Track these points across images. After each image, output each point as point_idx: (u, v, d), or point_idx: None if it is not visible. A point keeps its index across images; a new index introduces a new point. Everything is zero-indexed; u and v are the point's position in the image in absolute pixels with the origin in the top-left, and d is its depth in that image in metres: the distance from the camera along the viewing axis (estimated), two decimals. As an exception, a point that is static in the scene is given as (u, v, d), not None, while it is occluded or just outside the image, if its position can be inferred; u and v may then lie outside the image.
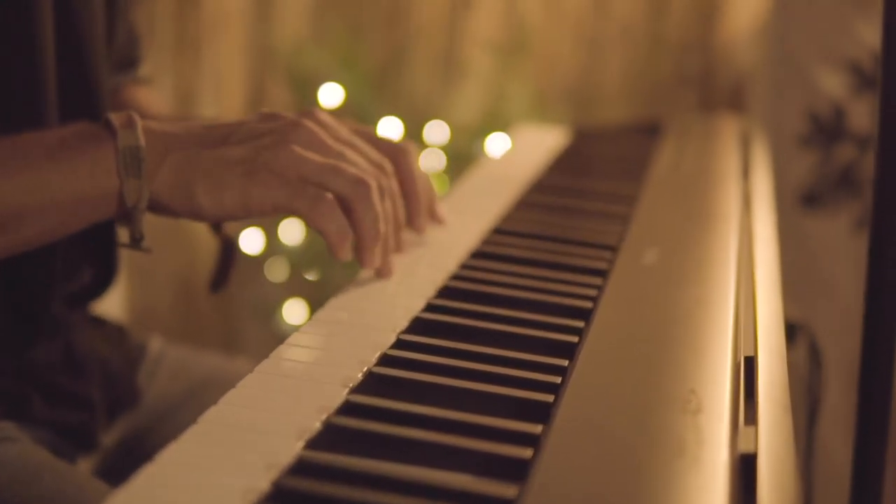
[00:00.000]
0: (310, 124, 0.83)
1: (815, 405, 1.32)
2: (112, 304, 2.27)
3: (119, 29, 1.15)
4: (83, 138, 0.82)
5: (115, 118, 0.82)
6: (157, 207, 0.84)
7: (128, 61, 1.20)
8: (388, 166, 0.88)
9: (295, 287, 2.38)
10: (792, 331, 1.32)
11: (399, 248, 0.93)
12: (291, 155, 0.80)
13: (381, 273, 0.87)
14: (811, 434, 1.32)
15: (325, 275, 2.33)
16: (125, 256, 2.29)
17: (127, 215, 0.83)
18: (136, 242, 0.84)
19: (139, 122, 0.82)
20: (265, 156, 0.80)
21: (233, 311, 2.58)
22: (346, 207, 0.82)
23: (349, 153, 0.84)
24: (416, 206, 0.96)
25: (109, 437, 1.07)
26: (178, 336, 2.43)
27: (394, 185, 0.88)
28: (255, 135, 0.83)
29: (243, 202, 0.80)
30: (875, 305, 0.96)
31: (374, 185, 0.82)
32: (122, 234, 0.87)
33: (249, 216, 0.81)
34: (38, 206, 0.81)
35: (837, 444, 1.96)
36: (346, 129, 0.90)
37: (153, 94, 1.27)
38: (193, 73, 2.52)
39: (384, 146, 0.93)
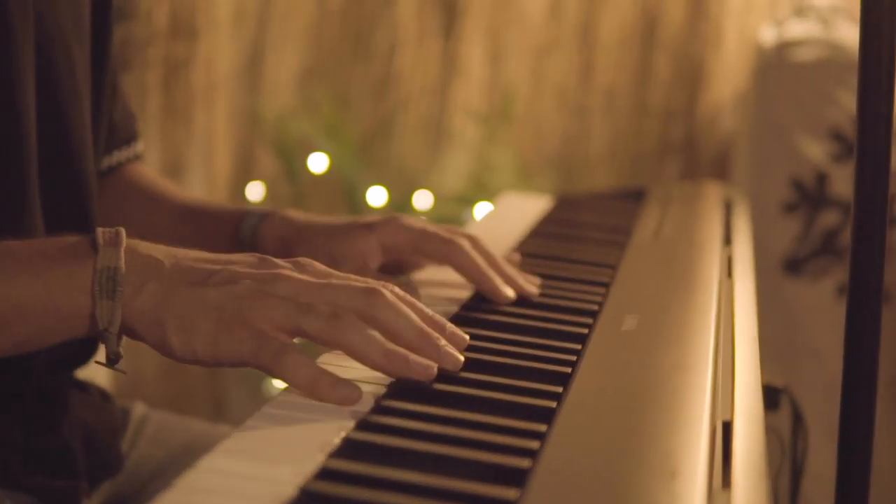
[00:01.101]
0: (290, 274, 0.81)
1: (798, 469, 1.32)
2: (98, 372, 2.27)
3: (116, 104, 1.17)
4: (64, 252, 0.81)
5: (101, 234, 0.81)
6: (130, 334, 0.81)
7: (126, 138, 1.22)
8: (379, 290, 0.81)
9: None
10: (775, 395, 1.33)
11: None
12: (263, 305, 0.77)
13: (420, 378, 0.79)
14: (795, 498, 1.32)
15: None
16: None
17: (100, 336, 0.81)
18: (111, 363, 0.82)
19: (123, 242, 0.80)
20: (239, 305, 0.78)
21: (220, 378, 2.58)
22: (335, 347, 0.81)
23: (330, 293, 0.80)
24: (507, 277, 1.03)
25: (92, 503, 1.07)
26: (164, 403, 2.43)
27: (391, 302, 0.81)
28: (236, 278, 0.80)
29: (213, 351, 0.78)
30: (853, 370, 0.96)
31: (347, 316, 0.77)
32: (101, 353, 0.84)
33: (220, 365, 0.79)
34: (9, 317, 0.80)
35: (821, 509, 1.95)
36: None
37: (153, 172, 1.28)
38: (182, 142, 2.54)
39: (455, 233, 1.04)
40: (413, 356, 0.78)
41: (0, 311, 0.79)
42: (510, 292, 1.01)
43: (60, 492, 1.02)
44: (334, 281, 0.81)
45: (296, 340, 0.80)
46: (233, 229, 1.13)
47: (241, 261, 0.83)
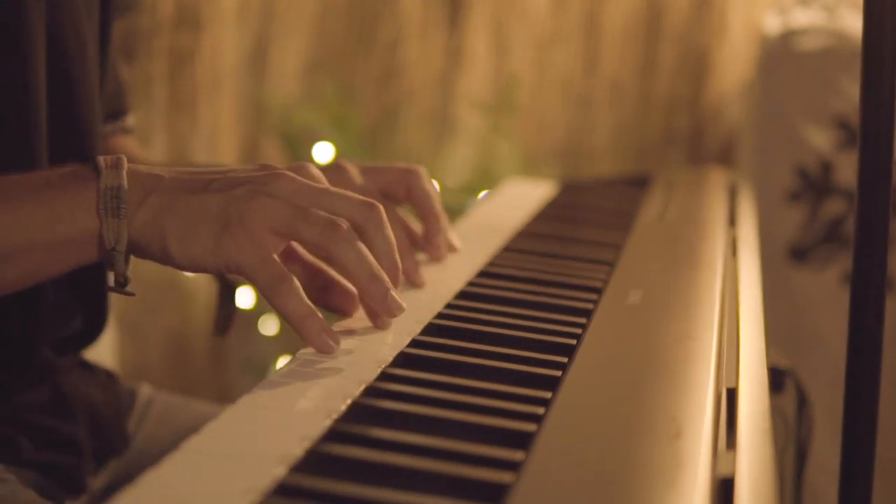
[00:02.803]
0: (291, 175, 0.81)
1: (803, 451, 1.32)
2: (104, 359, 2.28)
3: (106, 79, 1.17)
4: (67, 178, 0.82)
5: (103, 159, 0.82)
6: (136, 250, 0.82)
7: (116, 110, 1.22)
8: (378, 207, 0.83)
9: (287, 342, 2.38)
10: (780, 377, 1.33)
11: (413, 280, 0.94)
12: (261, 206, 0.78)
13: (386, 313, 0.81)
14: (799, 480, 1.32)
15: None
16: (118, 311, 2.29)
17: (108, 257, 0.81)
18: (119, 286, 0.83)
19: (125, 164, 0.81)
20: (238, 207, 0.78)
21: (225, 366, 2.59)
22: (324, 256, 0.82)
23: (327, 199, 0.81)
24: (434, 225, 1.02)
25: (98, 482, 1.08)
26: (170, 389, 2.43)
27: (385, 222, 0.83)
28: (235, 183, 0.80)
29: (213, 257, 0.78)
30: (857, 356, 0.97)
31: (345, 226, 0.78)
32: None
33: (219, 272, 0.80)
34: (17, 246, 0.80)
35: (826, 492, 1.96)
36: (355, 171, 0.97)
37: (138, 145, 1.28)
38: (187, 133, 2.54)
39: (393, 172, 1.01)
40: (392, 292, 0.79)
41: (8, 240, 0.80)
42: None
43: (65, 470, 1.02)
44: (332, 188, 0.82)
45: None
46: None
47: (242, 168, 0.84)
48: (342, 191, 0.82)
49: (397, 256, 0.82)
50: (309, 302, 0.77)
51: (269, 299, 0.77)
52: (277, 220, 0.78)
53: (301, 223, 0.78)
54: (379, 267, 0.79)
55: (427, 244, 1.03)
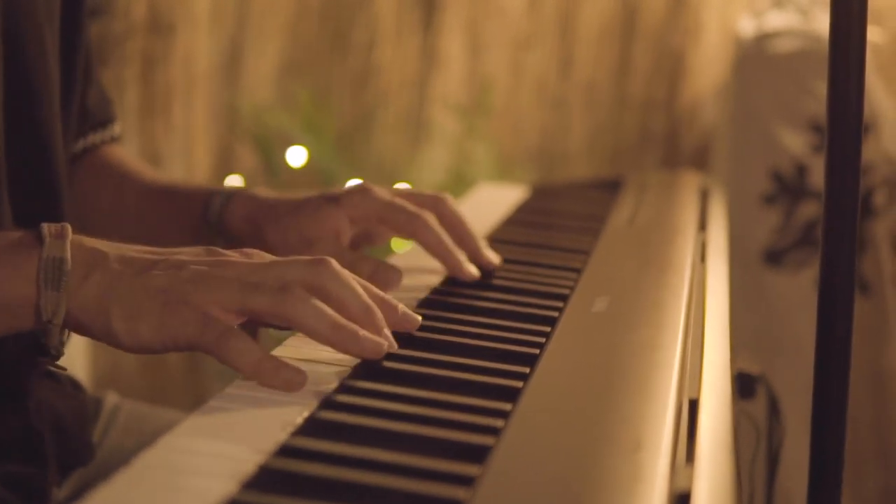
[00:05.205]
0: (237, 259, 0.80)
1: (774, 457, 1.32)
2: (76, 367, 2.26)
3: (90, 88, 1.16)
4: (9, 244, 0.81)
5: (47, 227, 0.80)
6: (75, 326, 0.80)
7: (102, 119, 1.21)
8: (328, 260, 0.80)
9: (261, 349, 2.37)
10: (751, 383, 1.32)
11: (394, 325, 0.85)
12: (207, 286, 0.77)
13: (367, 354, 0.78)
14: (772, 485, 1.32)
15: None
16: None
17: (44, 329, 0.80)
18: (52, 357, 0.82)
19: (69, 235, 0.80)
20: (183, 287, 0.77)
21: (200, 374, 2.57)
22: (283, 322, 0.79)
23: (274, 271, 0.79)
24: (474, 245, 1.04)
25: (62, 493, 1.06)
26: (143, 398, 2.42)
27: (339, 272, 0.80)
28: (180, 265, 0.79)
29: (158, 336, 0.77)
30: (826, 358, 0.96)
31: (295, 288, 0.76)
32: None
33: (166, 350, 0.78)
34: None
35: (798, 497, 1.95)
36: (382, 191, 1.03)
37: (128, 153, 1.27)
38: (161, 137, 2.53)
39: (422, 197, 1.04)
40: (363, 332, 0.77)
41: None
42: (473, 270, 1.02)
43: (29, 480, 1.01)
44: (280, 259, 0.80)
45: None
46: (201, 209, 1.12)
47: (187, 251, 0.82)
48: (289, 258, 0.80)
49: (366, 298, 0.80)
50: (257, 346, 0.76)
51: (219, 358, 0.76)
52: (225, 296, 0.77)
53: (249, 295, 0.77)
54: (339, 316, 0.77)
55: (475, 263, 1.04)
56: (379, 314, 0.80)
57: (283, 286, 0.77)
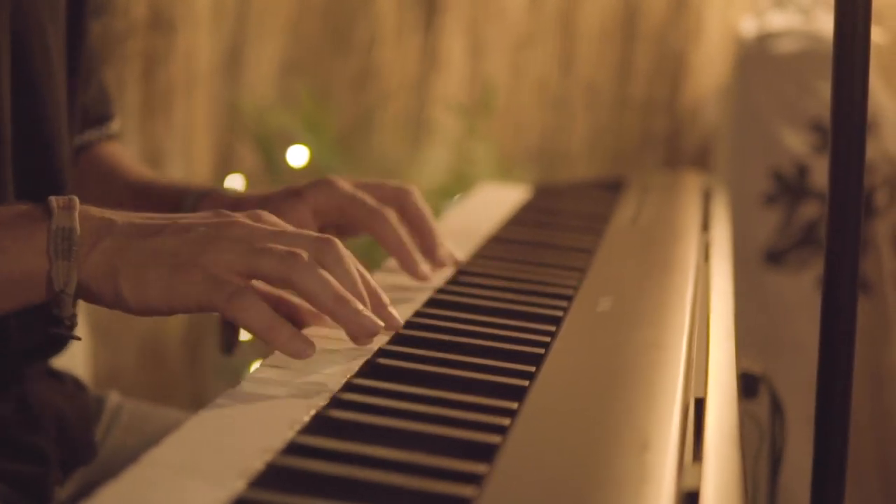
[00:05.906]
0: (245, 221, 0.81)
1: (777, 456, 1.32)
2: (77, 366, 2.26)
3: (90, 86, 1.16)
4: (20, 217, 0.81)
5: (55, 200, 0.81)
6: (86, 294, 0.81)
7: (100, 116, 1.21)
8: (335, 241, 0.81)
9: (262, 347, 2.37)
10: (754, 383, 1.32)
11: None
12: (216, 248, 0.77)
13: (363, 332, 0.79)
14: (774, 485, 1.32)
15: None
16: (90, 317, 2.26)
17: (56, 299, 0.80)
18: (66, 328, 0.82)
19: (78, 206, 0.80)
20: (193, 249, 0.77)
21: (200, 372, 2.57)
22: (288, 286, 0.81)
23: (283, 238, 0.80)
24: (432, 241, 1.03)
25: (64, 491, 1.06)
26: (143, 396, 2.42)
27: (343, 256, 0.81)
28: (189, 228, 0.80)
29: (167, 297, 0.77)
30: (829, 358, 0.96)
31: (305, 255, 0.78)
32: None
33: (174, 312, 0.78)
34: None
35: (801, 496, 1.95)
36: (346, 184, 1.01)
37: (127, 150, 1.27)
38: (162, 134, 2.53)
39: (386, 189, 1.04)
40: (364, 309, 0.78)
41: None
42: (427, 271, 1.01)
43: (32, 479, 1.01)
44: (289, 229, 0.81)
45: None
46: (174, 207, 1.12)
47: (195, 214, 0.83)
48: (298, 230, 0.81)
49: (361, 288, 0.81)
50: (268, 306, 0.76)
51: (231, 316, 0.76)
52: (234, 258, 0.77)
53: (259, 258, 0.77)
54: (344, 289, 0.78)
55: (430, 260, 1.04)
56: (384, 297, 0.82)
57: (291, 251, 0.77)
